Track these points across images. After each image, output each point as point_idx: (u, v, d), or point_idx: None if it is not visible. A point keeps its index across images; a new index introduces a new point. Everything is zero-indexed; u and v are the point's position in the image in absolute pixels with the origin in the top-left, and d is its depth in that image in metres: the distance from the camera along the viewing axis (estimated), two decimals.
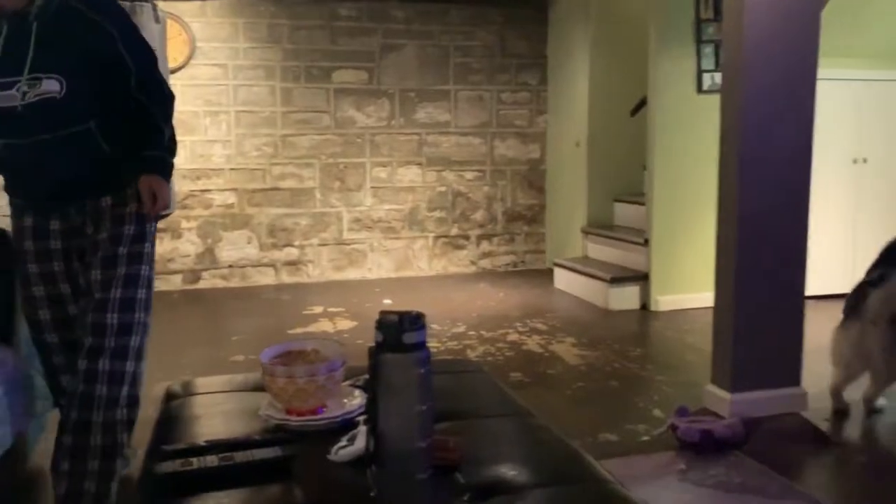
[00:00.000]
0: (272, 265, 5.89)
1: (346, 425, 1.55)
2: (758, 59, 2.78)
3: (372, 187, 6.05)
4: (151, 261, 2.02)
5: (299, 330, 4.41)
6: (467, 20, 6.13)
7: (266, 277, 5.89)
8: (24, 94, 1.81)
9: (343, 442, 1.43)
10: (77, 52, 1.86)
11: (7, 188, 2.00)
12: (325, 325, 4.52)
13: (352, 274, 6.06)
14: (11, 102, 1.80)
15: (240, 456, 1.38)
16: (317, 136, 5.91)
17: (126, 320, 1.89)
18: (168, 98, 2.05)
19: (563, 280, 5.56)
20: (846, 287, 4.99)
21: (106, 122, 1.92)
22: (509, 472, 1.39)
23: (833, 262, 4.96)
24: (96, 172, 1.94)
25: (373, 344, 1.15)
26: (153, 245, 2.05)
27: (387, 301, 5.22)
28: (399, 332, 1.12)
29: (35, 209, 1.96)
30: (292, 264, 5.94)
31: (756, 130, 2.81)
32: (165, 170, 1.99)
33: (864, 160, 4.98)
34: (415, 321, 1.13)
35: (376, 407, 1.14)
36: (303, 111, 5.86)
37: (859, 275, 5.14)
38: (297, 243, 5.93)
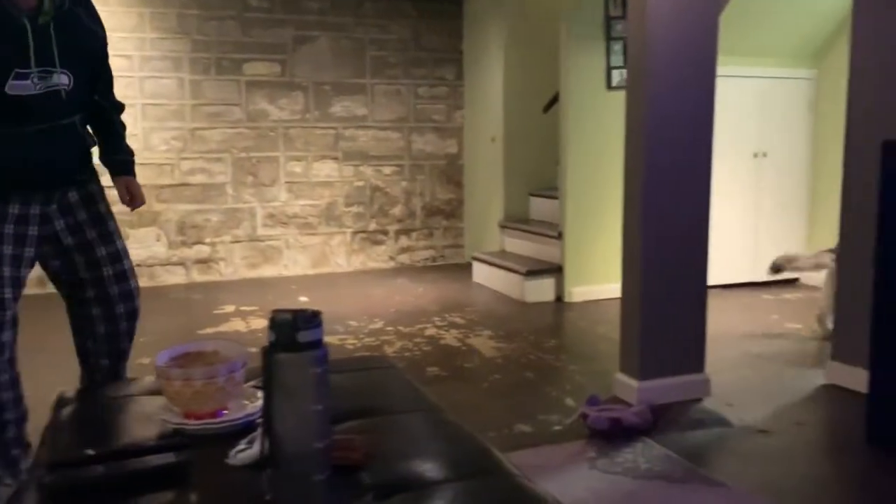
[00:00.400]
0: (182, 264, 5.71)
1: (247, 428, 1.50)
2: (660, 58, 2.86)
3: (287, 182, 5.93)
4: None
5: (210, 330, 4.29)
6: (382, 13, 6.09)
7: (176, 276, 5.70)
8: (36, 84, 1.98)
9: (242, 445, 1.39)
10: (81, 50, 2.09)
11: None
12: (237, 325, 4.40)
13: (267, 271, 5.93)
14: (28, 91, 1.97)
15: (131, 464, 1.32)
16: (228, 130, 5.75)
17: (137, 283, 2.33)
18: (122, 105, 2.39)
19: (482, 274, 5.60)
20: (748, 276, 5.26)
21: (83, 117, 2.18)
22: (416, 469, 1.38)
23: (735, 253, 5.17)
24: (78, 161, 2.19)
25: (266, 344, 1.12)
26: None
27: (303, 298, 5.14)
28: (293, 330, 1.08)
29: (21, 195, 2.07)
30: (203, 262, 5.77)
31: (659, 126, 2.89)
32: (134, 169, 2.40)
33: (765, 154, 5.21)
34: (310, 319, 1.10)
35: (271, 408, 1.10)
36: (213, 104, 5.70)
37: (761, 264, 5.39)
38: (208, 240, 5.76)
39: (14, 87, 1.94)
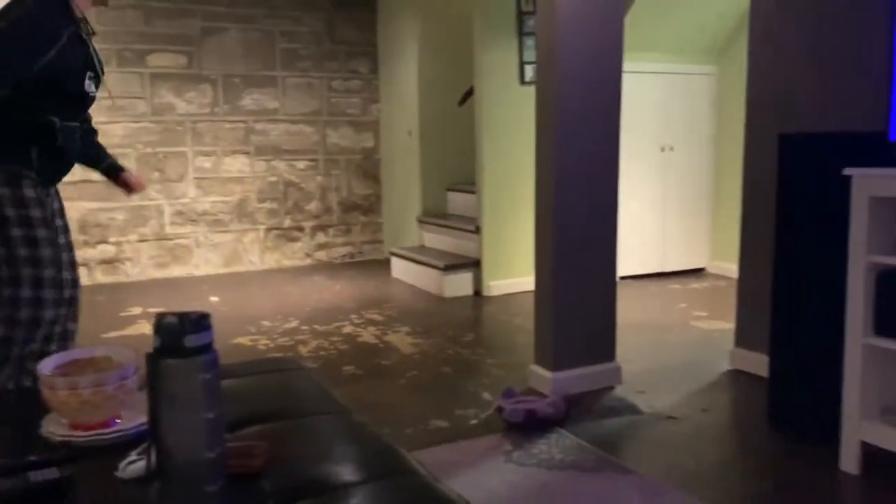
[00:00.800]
0: (85, 264, 5.44)
1: (140, 437, 1.42)
2: (569, 54, 2.89)
3: (195, 178, 5.74)
4: None
5: (115, 334, 4.10)
6: (294, 5, 5.96)
7: None
8: (89, 87, 2.38)
9: (133, 456, 1.31)
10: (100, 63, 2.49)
11: (31, 162, 2.28)
12: (144, 328, 4.22)
13: (176, 271, 5.72)
14: (89, 90, 2.39)
15: (8, 482, 1.22)
16: (132, 124, 5.51)
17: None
18: None
19: (400, 269, 5.57)
20: (657, 267, 5.41)
21: None
22: (319, 473, 1.33)
23: (644, 244, 5.32)
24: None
25: (151, 350, 1.05)
26: None
27: (214, 298, 4.98)
28: (179, 335, 1.02)
29: (44, 184, 2.33)
30: (108, 263, 5.52)
31: (568, 121, 2.92)
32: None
33: (671, 149, 5.37)
34: (198, 322, 1.04)
35: (157, 418, 1.04)
36: (116, 97, 5.44)
37: (669, 255, 5.55)
38: (112, 240, 5.51)
39: (88, 86, 2.37)
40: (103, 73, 2.47)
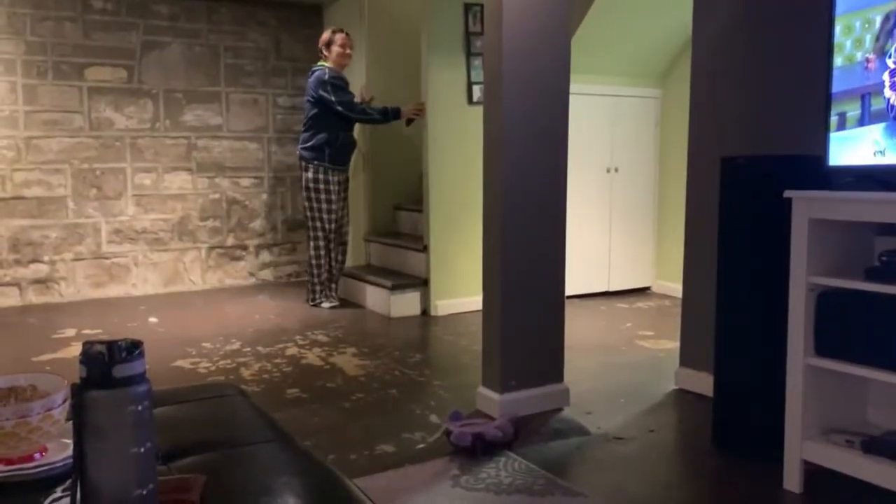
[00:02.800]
0: (16, 284, 5.21)
1: (67, 472, 1.33)
2: (516, 75, 2.89)
3: (135, 195, 5.57)
4: None
5: (47, 357, 3.92)
6: (238, 20, 5.87)
7: (9, 298, 5.19)
8: None
9: (58, 493, 1.22)
10: None
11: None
12: (77, 350, 4.03)
13: (113, 291, 5.53)
14: None
15: None
16: (68, 139, 5.33)
17: None
18: None
19: (347, 289, 5.49)
20: (602, 286, 5.47)
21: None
22: None
23: (590, 264, 5.37)
24: None
25: (77, 381, 0.98)
26: None
27: (153, 319, 4.81)
28: (108, 365, 0.95)
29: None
30: (41, 282, 5.30)
31: (515, 142, 2.92)
32: None
33: (616, 170, 5.45)
34: (129, 350, 0.97)
35: (83, 453, 0.97)
36: (51, 111, 5.26)
37: (615, 274, 5.62)
38: (46, 259, 5.30)
39: None
40: None
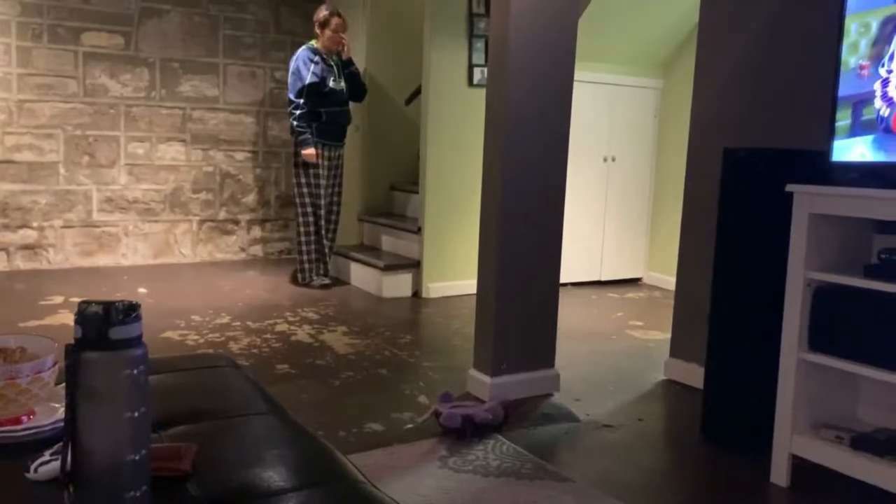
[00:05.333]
0: (4, 249, 5.16)
1: (55, 435, 1.31)
2: (521, 58, 2.86)
3: (127, 164, 5.50)
4: None
5: (34, 323, 3.88)
6: None
7: None
8: None
9: (46, 456, 1.20)
10: None
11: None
12: (64, 318, 4.01)
13: (102, 260, 5.48)
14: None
15: None
16: (61, 104, 5.25)
17: None
18: None
19: (338, 268, 5.46)
20: (594, 275, 5.46)
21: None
22: (251, 477, 1.25)
23: (583, 252, 5.36)
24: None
25: (71, 341, 0.96)
26: None
27: (142, 290, 4.78)
28: (104, 326, 0.93)
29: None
30: (29, 248, 5.24)
31: (517, 125, 2.90)
32: None
33: (613, 159, 5.43)
34: (126, 312, 0.95)
35: (75, 416, 0.95)
36: (45, 75, 5.18)
37: (607, 264, 5.62)
38: (35, 224, 5.24)
39: None
40: None
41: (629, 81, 5.39)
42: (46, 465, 1.18)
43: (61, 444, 1.22)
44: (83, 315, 0.94)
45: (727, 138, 2.97)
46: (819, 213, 2.18)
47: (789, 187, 2.23)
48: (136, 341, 0.97)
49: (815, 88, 2.63)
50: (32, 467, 1.19)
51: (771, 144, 2.80)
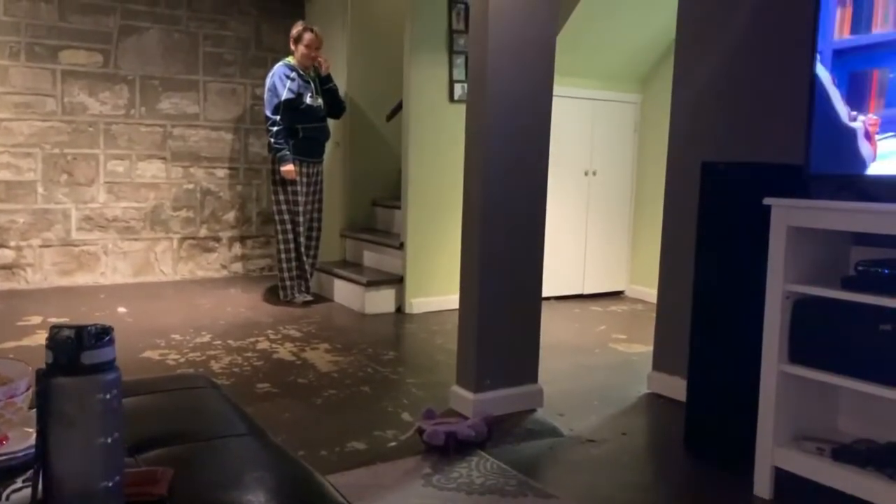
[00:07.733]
0: None
1: (29, 462, 1.28)
2: (501, 74, 2.88)
3: (106, 182, 5.46)
4: None
5: (11, 344, 3.82)
6: (219, 8, 5.79)
7: None
8: None
9: (18, 483, 1.18)
10: None
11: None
12: (42, 339, 3.93)
13: (81, 279, 5.41)
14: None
15: None
16: (39, 123, 5.21)
17: None
18: None
19: (321, 284, 5.44)
20: (577, 289, 5.48)
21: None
22: (228, 501, 1.23)
23: (565, 266, 5.37)
24: None
25: (42, 366, 0.94)
26: None
27: (121, 309, 4.72)
28: (76, 350, 0.92)
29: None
30: (7, 268, 5.17)
31: (498, 141, 2.90)
32: None
33: (594, 173, 5.46)
34: (98, 336, 0.94)
35: (47, 442, 0.93)
36: (22, 93, 5.14)
37: (590, 277, 5.63)
38: (13, 244, 5.17)
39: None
40: None
41: (609, 96, 5.43)
42: (18, 493, 1.16)
43: (33, 470, 1.20)
44: (54, 340, 0.93)
45: (705, 152, 3.00)
46: (797, 225, 2.20)
47: (767, 200, 2.25)
48: (109, 365, 0.95)
49: (792, 102, 2.66)
50: (4, 495, 1.17)
51: (749, 158, 2.83)
